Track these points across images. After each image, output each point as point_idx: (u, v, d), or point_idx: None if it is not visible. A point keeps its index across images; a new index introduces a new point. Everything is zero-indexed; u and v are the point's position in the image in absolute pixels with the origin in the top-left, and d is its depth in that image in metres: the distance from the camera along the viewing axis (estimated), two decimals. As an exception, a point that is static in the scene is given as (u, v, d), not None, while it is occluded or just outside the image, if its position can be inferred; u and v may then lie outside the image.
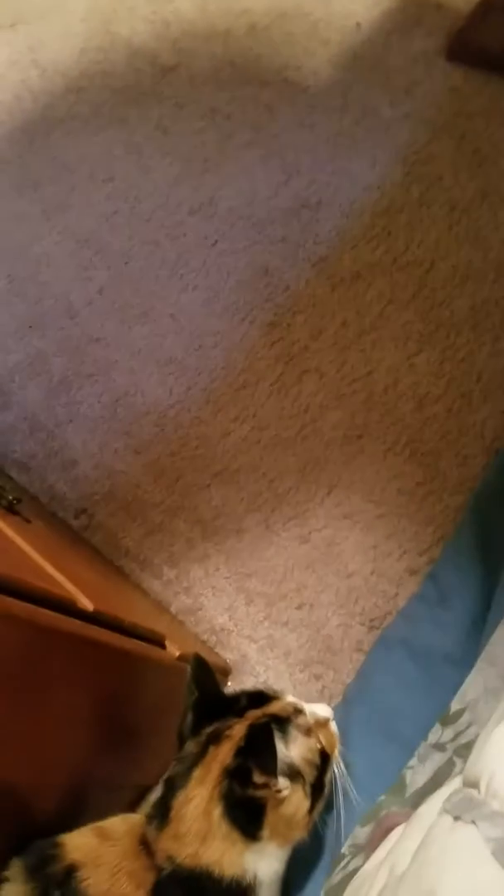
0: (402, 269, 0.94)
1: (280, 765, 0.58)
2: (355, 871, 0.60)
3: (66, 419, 1.00)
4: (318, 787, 0.61)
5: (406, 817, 0.57)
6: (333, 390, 0.94)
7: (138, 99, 1.15)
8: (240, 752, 0.58)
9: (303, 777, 0.60)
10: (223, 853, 0.57)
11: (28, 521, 0.72)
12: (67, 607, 0.56)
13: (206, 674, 0.64)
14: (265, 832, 0.58)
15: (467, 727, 0.68)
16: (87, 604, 0.59)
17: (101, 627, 0.60)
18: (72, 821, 0.61)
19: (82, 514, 0.95)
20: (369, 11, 1.11)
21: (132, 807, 0.73)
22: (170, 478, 0.95)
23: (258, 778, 0.57)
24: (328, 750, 0.63)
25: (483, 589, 0.77)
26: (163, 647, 0.73)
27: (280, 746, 0.58)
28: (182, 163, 1.09)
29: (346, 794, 0.65)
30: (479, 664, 0.70)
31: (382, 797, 0.66)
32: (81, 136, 1.14)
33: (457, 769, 0.63)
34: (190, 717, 0.62)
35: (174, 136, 1.11)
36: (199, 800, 0.58)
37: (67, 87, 1.18)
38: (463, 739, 0.67)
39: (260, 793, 0.57)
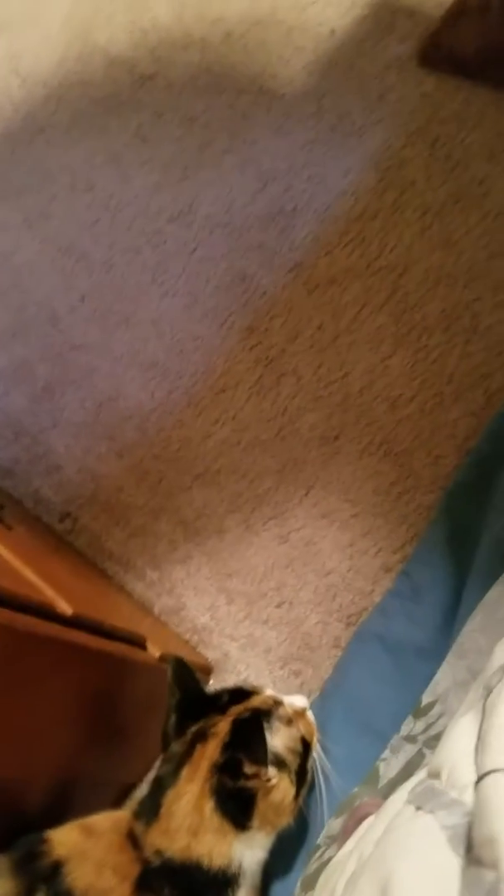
0: (375, 273, 0.96)
1: (267, 755, 0.61)
2: (329, 860, 0.63)
3: (49, 424, 1.02)
4: (302, 773, 0.65)
5: (377, 807, 0.59)
6: (310, 392, 0.96)
7: (118, 107, 1.17)
8: (227, 747, 0.61)
9: (287, 765, 0.63)
10: (213, 845, 0.60)
11: (9, 528, 0.74)
12: (46, 612, 0.58)
13: (186, 674, 0.66)
14: (255, 821, 0.61)
15: (437, 719, 0.70)
16: (66, 608, 0.61)
17: (81, 630, 0.63)
18: (57, 817, 0.63)
19: (66, 517, 0.97)
20: (342, 18, 1.13)
21: (117, 804, 0.76)
22: (152, 480, 0.97)
23: (249, 769, 0.59)
24: (307, 738, 0.66)
25: (454, 584, 0.79)
26: (144, 648, 0.76)
27: (266, 737, 0.61)
28: (161, 171, 1.11)
29: (327, 778, 0.68)
30: (450, 657, 0.73)
31: (356, 789, 0.69)
32: (62, 145, 1.16)
33: (426, 760, 0.66)
34: (173, 718, 0.65)
35: (153, 144, 1.12)
36: (189, 796, 0.61)
37: (48, 96, 1.20)
38: (433, 731, 0.69)
39: (250, 783, 0.60)
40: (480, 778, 0.41)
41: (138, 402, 1.01)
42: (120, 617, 0.74)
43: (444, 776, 0.50)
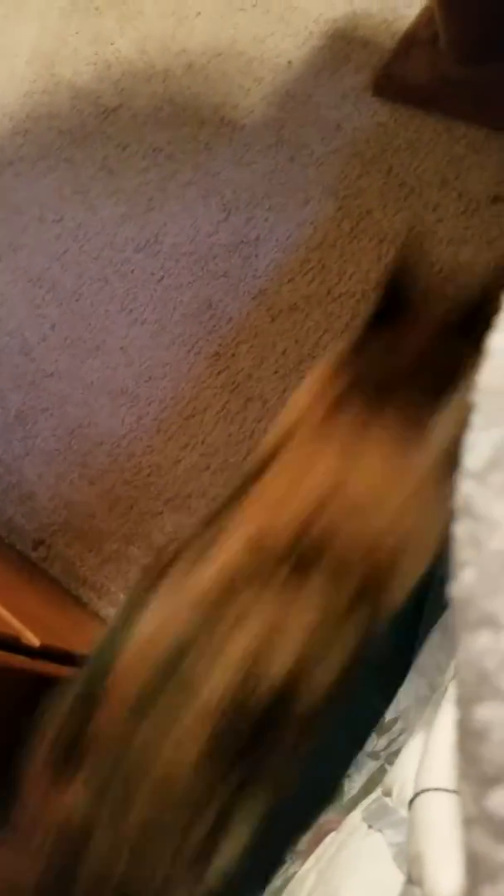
0: (335, 299, 0.99)
1: None
2: (293, 875, 0.65)
3: (22, 453, 1.04)
4: None
5: (339, 824, 0.62)
6: (277, 416, 0.98)
7: (84, 140, 1.19)
8: None
9: None
10: None
11: (-21, 561, 0.76)
12: (12, 644, 0.60)
13: None
14: None
15: (398, 735, 0.72)
16: (32, 639, 0.63)
17: (50, 661, 0.65)
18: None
19: (40, 545, 0.99)
20: (299, 49, 1.16)
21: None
22: (124, 506, 1.00)
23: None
24: None
25: (416, 602, 0.82)
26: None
27: None
28: (127, 202, 1.13)
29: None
30: (411, 674, 0.75)
31: (322, 805, 0.71)
32: (30, 178, 1.18)
33: (385, 777, 0.68)
34: None
35: (119, 176, 1.15)
36: None
37: (14, 130, 1.22)
38: (394, 747, 0.72)
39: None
40: (414, 796, 0.43)
41: (109, 428, 1.03)
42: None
43: (394, 794, 0.52)
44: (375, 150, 1.04)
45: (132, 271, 1.09)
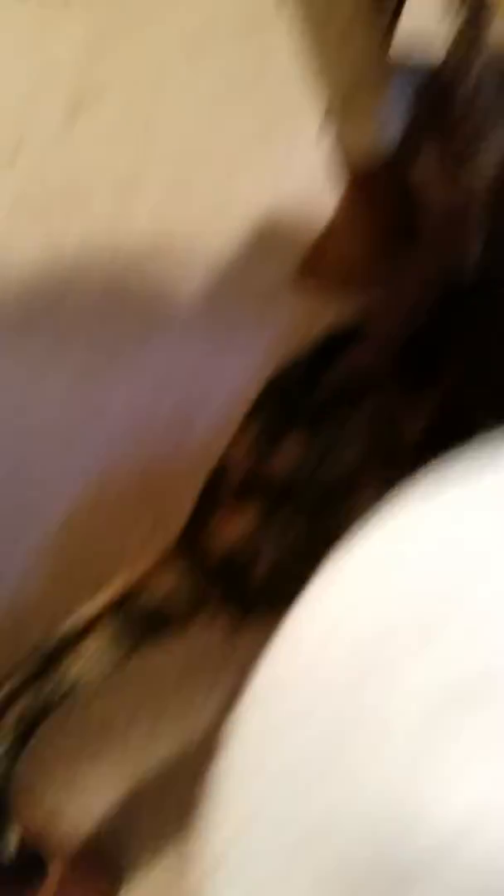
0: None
1: None
2: None
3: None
4: None
5: None
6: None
7: (30, 327, 1.25)
8: None
9: None
10: None
11: None
12: None
13: None
14: None
15: None
16: None
17: None
18: None
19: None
20: (231, 241, 1.25)
21: None
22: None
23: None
24: None
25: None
26: None
27: None
28: (67, 391, 1.18)
29: None
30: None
31: None
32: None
33: None
34: None
35: (59, 367, 1.20)
36: None
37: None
38: None
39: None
40: None
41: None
42: None
43: None
44: (299, 338, 1.10)
45: (74, 462, 1.12)
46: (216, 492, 0.65)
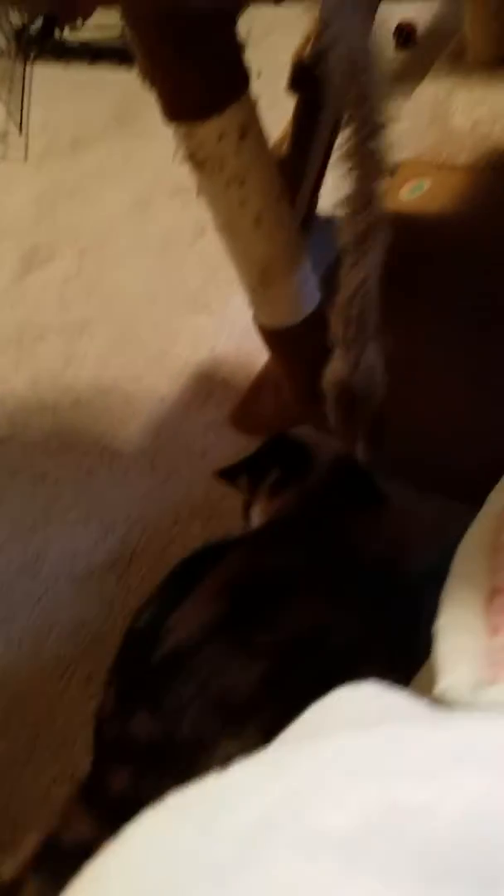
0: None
1: None
2: None
3: None
4: None
5: None
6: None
7: (-23, 467, 1.30)
8: None
9: None
10: None
11: None
12: None
13: None
14: None
15: None
16: None
17: None
18: None
19: None
20: (171, 387, 1.34)
21: None
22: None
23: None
24: None
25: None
26: None
27: None
28: (12, 525, 1.22)
29: None
30: None
31: None
32: None
33: None
34: None
35: (6, 501, 1.25)
36: None
37: None
38: None
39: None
40: None
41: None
42: None
43: None
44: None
45: (12, 593, 1.14)
46: (100, 745, 0.69)
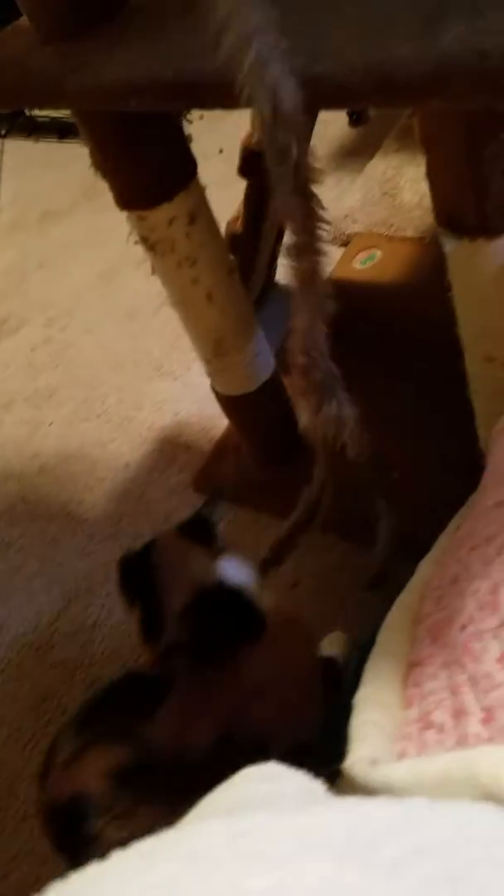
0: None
1: None
2: None
3: None
4: None
5: None
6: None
7: None
8: None
9: None
10: None
11: None
12: None
13: None
14: None
15: None
16: None
17: None
18: None
19: None
20: (135, 452, 1.36)
21: None
22: None
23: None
24: None
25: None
26: None
27: None
28: (-25, 596, 1.22)
29: None
30: None
31: None
32: None
33: None
34: None
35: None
36: None
37: None
38: None
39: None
40: None
41: None
42: None
43: None
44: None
45: (-24, 665, 1.14)
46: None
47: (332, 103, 0.64)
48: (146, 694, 0.71)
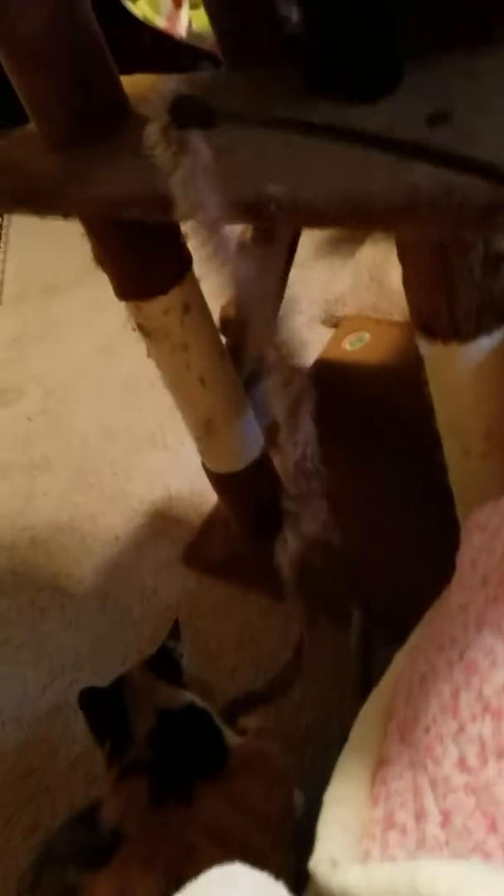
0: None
1: None
2: None
3: None
4: None
5: None
6: None
7: None
8: None
9: None
10: None
11: None
12: None
13: None
14: None
15: None
16: None
17: None
18: None
19: None
20: (126, 525, 1.38)
21: None
22: None
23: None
24: None
25: None
26: None
27: None
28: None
29: None
30: None
31: None
32: None
33: None
34: None
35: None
36: None
37: None
38: None
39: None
40: None
41: None
42: None
43: None
44: (184, 615, 1.19)
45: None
46: None
47: (313, 224, 0.69)
48: (96, 843, 0.69)
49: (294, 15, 0.65)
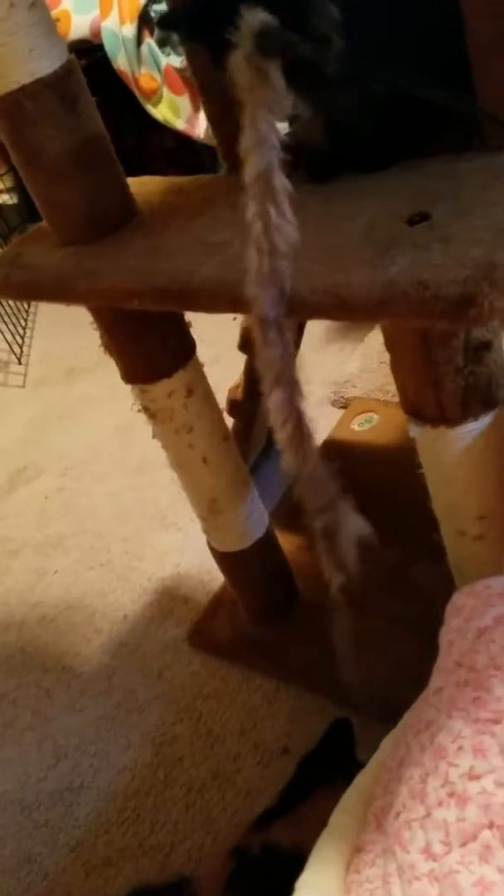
0: (146, 853, 1.02)
1: None
2: None
3: None
4: None
5: None
6: None
7: None
8: None
9: None
10: None
11: None
12: None
13: None
14: None
15: None
16: None
17: None
18: None
19: None
20: (135, 604, 1.39)
21: None
22: None
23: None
24: None
25: None
26: None
27: None
28: (-35, 746, 1.21)
29: None
30: None
31: None
32: None
33: None
34: None
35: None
36: None
37: None
38: None
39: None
40: None
41: None
42: None
43: None
44: (189, 698, 1.18)
45: (-42, 823, 1.12)
46: None
47: (299, 315, 0.72)
48: None
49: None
